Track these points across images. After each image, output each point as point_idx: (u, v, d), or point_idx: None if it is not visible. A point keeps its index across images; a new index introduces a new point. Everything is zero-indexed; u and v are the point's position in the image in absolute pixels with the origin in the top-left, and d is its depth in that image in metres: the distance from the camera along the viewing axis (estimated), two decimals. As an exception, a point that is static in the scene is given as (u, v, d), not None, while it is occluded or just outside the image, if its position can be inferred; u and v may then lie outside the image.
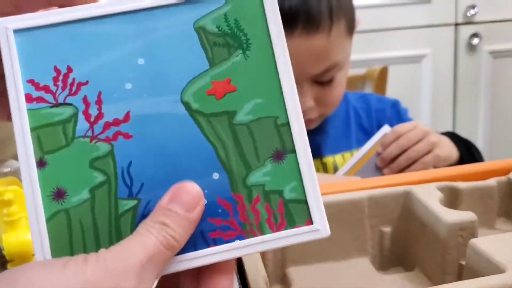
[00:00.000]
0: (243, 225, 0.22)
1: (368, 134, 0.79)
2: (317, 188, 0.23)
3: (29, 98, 0.22)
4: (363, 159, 0.65)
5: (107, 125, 0.22)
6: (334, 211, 0.39)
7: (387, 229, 0.42)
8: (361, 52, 1.46)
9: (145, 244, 0.20)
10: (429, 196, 0.40)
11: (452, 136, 0.70)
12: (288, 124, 0.23)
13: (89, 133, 0.22)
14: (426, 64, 1.51)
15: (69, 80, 0.22)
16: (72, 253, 0.22)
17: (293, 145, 0.22)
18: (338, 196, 0.40)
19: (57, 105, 0.22)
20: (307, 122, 0.70)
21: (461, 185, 0.43)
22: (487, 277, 0.30)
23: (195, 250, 0.22)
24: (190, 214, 0.21)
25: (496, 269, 0.31)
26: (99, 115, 0.22)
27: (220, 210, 0.22)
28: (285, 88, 0.23)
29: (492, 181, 0.44)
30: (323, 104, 0.68)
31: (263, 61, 0.23)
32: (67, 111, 0.22)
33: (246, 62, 0.23)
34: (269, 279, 0.35)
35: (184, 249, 0.22)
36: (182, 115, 0.22)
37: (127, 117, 0.22)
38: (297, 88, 0.74)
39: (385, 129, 0.66)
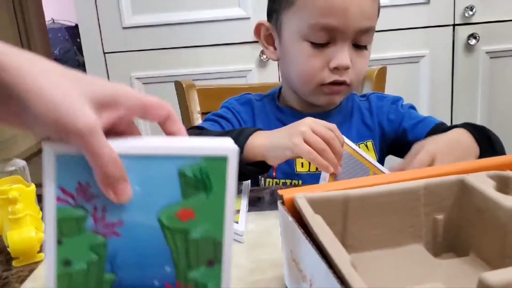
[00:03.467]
0: None
1: (371, 131, 0.82)
2: None
3: (58, 199, 0.32)
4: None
5: (106, 226, 0.32)
6: (392, 200, 0.39)
7: (440, 217, 0.41)
8: (360, 52, 1.46)
9: None
10: (484, 184, 0.39)
11: (473, 130, 0.66)
12: (221, 243, 0.33)
13: (93, 229, 0.32)
14: (424, 64, 1.53)
15: (87, 193, 0.32)
16: None
17: (221, 258, 0.34)
18: (395, 185, 0.40)
19: (76, 207, 0.32)
20: (337, 91, 0.75)
21: (511, 173, 0.42)
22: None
23: None
24: None
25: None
26: (102, 218, 0.32)
27: None
28: (227, 221, 0.33)
29: None
30: (355, 70, 0.74)
31: (217, 201, 0.33)
32: (81, 212, 0.32)
33: (207, 200, 0.33)
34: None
35: None
36: (156, 227, 0.33)
37: (120, 223, 0.32)
38: (342, 46, 0.74)
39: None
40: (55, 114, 0.28)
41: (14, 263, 0.56)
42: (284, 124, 0.80)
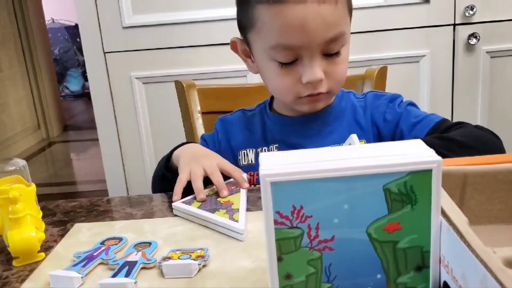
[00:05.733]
0: None
1: (364, 130, 0.80)
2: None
3: (276, 222, 0.35)
4: None
5: (320, 242, 0.35)
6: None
7: None
8: (360, 52, 1.46)
9: None
10: None
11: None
12: (429, 251, 0.35)
13: (309, 245, 0.35)
14: (425, 64, 1.53)
15: (301, 214, 0.35)
16: None
17: (429, 264, 0.35)
18: None
19: (292, 227, 0.35)
20: (316, 100, 0.74)
21: None
22: None
23: None
24: None
25: None
26: (316, 236, 0.35)
27: None
28: (433, 230, 0.35)
29: None
30: (331, 78, 0.73)
31: (422, 212, 0.34)
32: (297, 231, 0.35)
33: (412, 212, 0.34)
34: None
35: None
36: (365, 240, 0.35)
37: (332, 238, 0.35)
38: (310, 61, 0.72)
39: (351, 138, 0.64)
40: None
41: (14, 263, 0.56)
42: (267, 130, 0.84)
